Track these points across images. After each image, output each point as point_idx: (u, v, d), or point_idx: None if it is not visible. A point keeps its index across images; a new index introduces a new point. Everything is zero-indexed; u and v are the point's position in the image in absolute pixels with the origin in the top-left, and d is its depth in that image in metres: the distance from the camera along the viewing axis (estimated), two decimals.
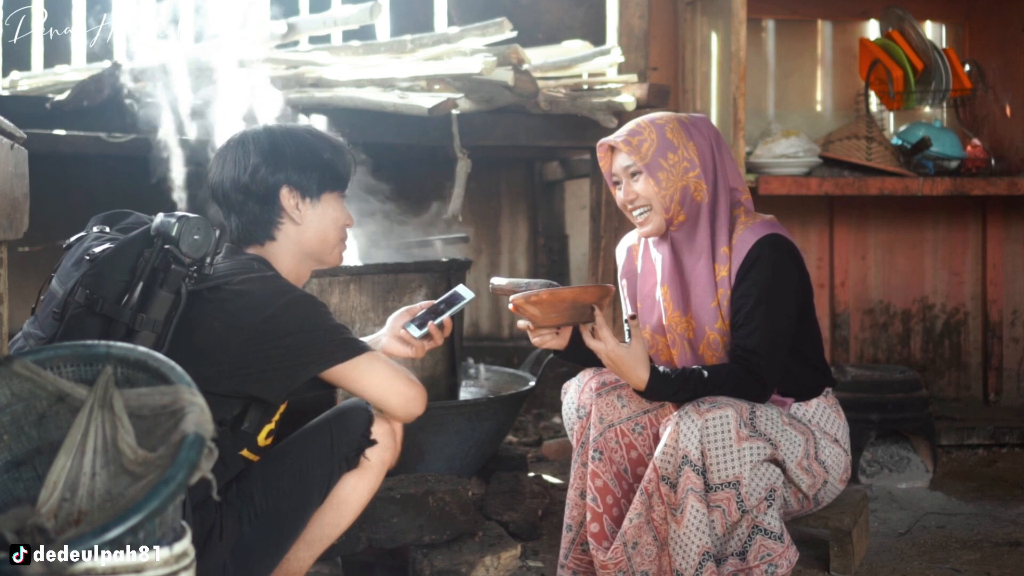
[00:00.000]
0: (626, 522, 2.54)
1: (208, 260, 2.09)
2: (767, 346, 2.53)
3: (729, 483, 2.43)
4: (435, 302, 2.43)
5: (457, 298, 2.41)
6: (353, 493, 2.22)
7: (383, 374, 2.16)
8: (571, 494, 2.69)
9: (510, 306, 2.47)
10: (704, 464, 2.43)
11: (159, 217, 2.10)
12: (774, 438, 2.52)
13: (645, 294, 2.73)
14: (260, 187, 2.22)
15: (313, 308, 2.13)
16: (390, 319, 2.49)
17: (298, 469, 2.17)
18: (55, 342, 2.00)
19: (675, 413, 2.51)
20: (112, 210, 2.28)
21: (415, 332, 2.37)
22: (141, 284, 2.02)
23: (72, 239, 2.20)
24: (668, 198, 2.59)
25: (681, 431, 2.45)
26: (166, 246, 2.04)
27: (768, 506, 2.51)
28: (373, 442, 2.21)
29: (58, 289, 2.09)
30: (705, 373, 2.53)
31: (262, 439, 2.23)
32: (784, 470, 2.57)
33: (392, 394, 2.18)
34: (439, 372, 3.37)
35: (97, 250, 2.09)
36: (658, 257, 2.68)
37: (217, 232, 2.11)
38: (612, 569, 2.56)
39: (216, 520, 2.11)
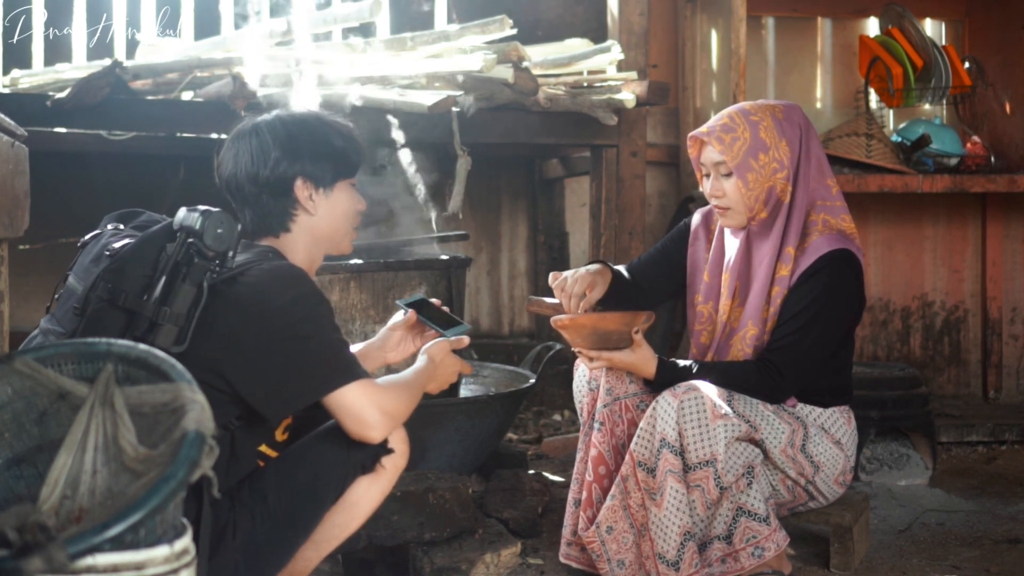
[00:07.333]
0: (602, 507, 2.57)
1: (231, 254, 2.08)
2: (796, 355, 2.56)
3: (707, 461, 2.46)
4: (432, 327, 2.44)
5: (455, 325, 2.43)
6: (365, 497, 2.20)
7: (360, 403, 2.10)
8: (580, 468, 2.70)
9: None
10: (682, 444, 2.46)
11: (182, 211, 2.08)
12: (753, 420, 2.55)
13: (713, 274, 2.75)
14: (276, 180, 2.20)
15: (319, 312, 2.11)
16: (383, 330, 2.53)
17: (313, 472, 2.14)
18: (76, 336, 1.99)
19: (653, 400, 2.54)
20: (122, 209, 2.28)
21: None
22: (164, 278, 2.01)
23: (88, 237, 2.19)
24: (753, 199, 2.61)
25: (658, 415, 2.48)
26: (190, 240, 2.03)
27: (748, 484, 2.53)
28: (391, 451, 2.18)
29: (76, 285, 2.09)
30: (718, 365, 2.56)
31: (279, 433, 2.24)
32: (767, 454, 2.59)
33: (363, 426, 2.11)
34: None
35: (117, 245, 2.08)
36: (732, 244, 2.71)
37: (239, 226, 2.10)
38: (587, 549, 2.60)
39: (230, 519, 2.09)
